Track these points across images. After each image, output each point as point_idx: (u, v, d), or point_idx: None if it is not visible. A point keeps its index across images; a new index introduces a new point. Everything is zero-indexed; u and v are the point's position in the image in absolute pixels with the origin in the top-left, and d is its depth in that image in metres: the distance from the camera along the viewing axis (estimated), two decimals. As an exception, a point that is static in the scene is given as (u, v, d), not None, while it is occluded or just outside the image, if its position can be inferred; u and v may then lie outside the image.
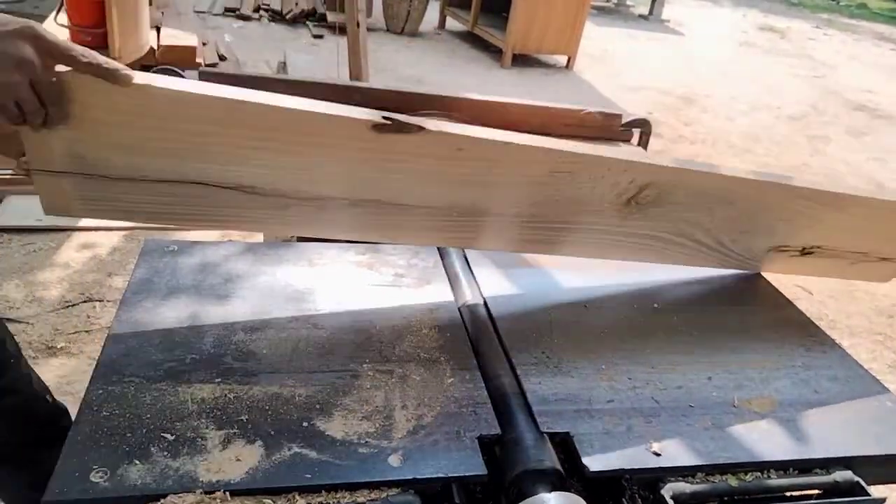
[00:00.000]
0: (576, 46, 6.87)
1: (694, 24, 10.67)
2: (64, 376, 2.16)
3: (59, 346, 2.26)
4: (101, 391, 0.93)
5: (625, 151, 2.01)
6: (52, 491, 0.78)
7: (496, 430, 0.96)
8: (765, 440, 1.01)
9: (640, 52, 8.32)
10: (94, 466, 0.81)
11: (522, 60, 6.82)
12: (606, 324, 1.27)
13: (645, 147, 2.10)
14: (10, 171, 2.98)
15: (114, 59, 2.55)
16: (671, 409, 1.05)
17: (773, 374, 1.18)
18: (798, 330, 1.35)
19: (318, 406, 0.95)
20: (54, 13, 3.48)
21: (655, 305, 1.37)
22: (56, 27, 3.43)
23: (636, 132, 2.14)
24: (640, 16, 10.57)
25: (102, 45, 3.12)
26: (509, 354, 1.13)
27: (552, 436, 0.97)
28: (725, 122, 6.22)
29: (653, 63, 7.88)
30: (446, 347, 1.12)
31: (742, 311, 1.39)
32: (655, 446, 0.96)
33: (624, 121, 2.10)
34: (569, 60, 7.00)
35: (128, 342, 1.03)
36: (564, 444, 0.98)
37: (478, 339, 1.16)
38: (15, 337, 2.29)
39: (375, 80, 4.69)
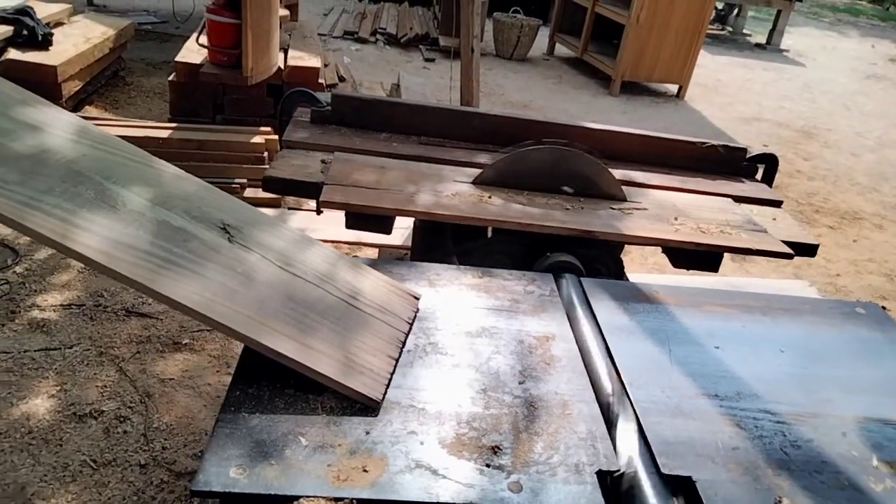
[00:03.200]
0: (688, 75, 6.70)
1: (816, 54, 10.15)
2: (186, 370, 2.31)
3: (183, 343, 2.42)
4: (238, 393, 1.00)
5: (745, 188, 1.95)
6: (198, 482, 0.84)
7: (616, 467, 0.95)
8: (908, 507, 0.94)
9: (755, 83, 8.00)
10: (235, 462, 0.87)
11: (631, 88, 6.72)
12: (729, 366, 1.23)
13: (770, 184, 2.02)
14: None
15: (246, 77, 2.71)
16: (802, 463, 1.00)
17: (916, 436, 1.10)
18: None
19: (441, 430, 0.98)
20: (196, 34, 3.77)
21: (782, 351, 1.31)
22: (197, 47, 3.71)
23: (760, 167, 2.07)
24: (757, 45, 10.16)
25: (236, 65, 3.36)
26: (627, 390, 1.12)
27: (673, 479, 0.95)
28: (849, 159, 5.85)
29: (769, 94, 7.56)
30: (563, 378, 1.12)
31: (880, 364, 1.30)
32: (786, 502, 0.92)
33: (748, 155, 2.03)
34: (680, 89, 6.82)
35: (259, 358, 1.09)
36: (686, 489, 0.95)
37: (594, 373, 1.16)
38: (144, 329, 2.47)
39: (483, 103, 4.75)
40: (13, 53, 3.52)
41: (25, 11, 3.64)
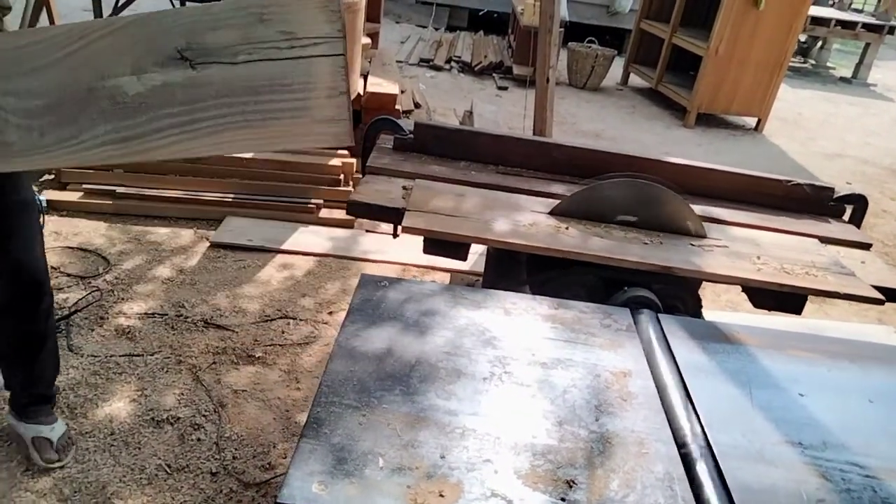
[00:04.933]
0: (767, 108, 6.52)
1: (906, 89, 9.70)
2: (258, 383, 2.38)
3: (256, 356, 2.50)
4: (320, 409, 1.03)
5: (832, 228, 1.88)
6: (283, 494, 0.87)
7: (695, 511, 0.93)
8: None
9: (839, 117, 7.71)
10: (317, 479, 0.90)
11: (707, 120, 6.59)
12: (814, 413, 1.19)
13: (858, 225, 1.95)
14: (231, 194, 3.39)
15: None
16: (895, 522, 0.95)
17: None
18: None
19: (516, 461, 0.98)
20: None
21: (871, 401, 1.25)
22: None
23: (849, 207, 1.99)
24: (842, 78, 9.81)
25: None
26: (707, 432, 1.09)
27: (755, 527, 0.92)
28: (941, 200, 5.55)
29: (854, 129, 7.27)
30: (640, 416, 1.11)
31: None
32: (877, 561, 0.88)
33: (836, 195, 1.97)
34: (758, 123, 6.64)
35: (345, 368, 1.13)
36: (769, 539, 0.92)
37: (672, 412, 1.14)
38: (221, 340, 2.56)
39: (556, 132, 4.76)
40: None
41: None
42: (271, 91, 1.19)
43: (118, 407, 2.20)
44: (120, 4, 5.55)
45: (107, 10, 5.41)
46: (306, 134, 1.21)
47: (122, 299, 2.70)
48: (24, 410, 1.94)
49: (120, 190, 3.29)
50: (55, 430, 1.96)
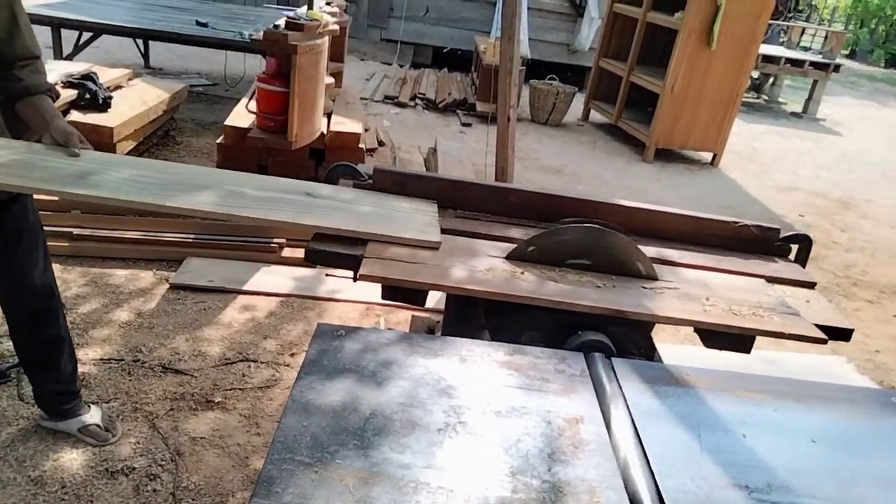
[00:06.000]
0: (723, 143, 6.74)
1: (853, 123, 10.13)
2: (217, 429, 2.34)
3: (215, 401, 2.47)
4: (272, 467, 1.02)
5: (778, 268, 1.95)
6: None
7: (644, 560, 0.94)
8: None
9: (791, 151, 8.00)
10: (268, 540, 0.89)
11: (665, 155, 6.78)
12: (760, 455, 1.22)
13: (803, 265, 2.02)
14: (192, 234, 3.36)
15: (290, 142, 2.91)
16: (837, 566, 0.98)
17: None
18: None
19: (467, 508, 0.99)
20: (245, 100, 3.96)
21: (814, 441, 1.29)
22: (245, 111, 3.89)
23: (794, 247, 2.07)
24: (793, 113, 10.20)
25: (282, 131, 3.51)
26: (657, 479, 1.11)
27: (702, 575, 0.94)
28: (888, 231, 5.77)
29: (805, 163, 7.54)
30: (592, 464, 1.13)
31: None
32: None
33: (782, 235, 2.04)
34: (714, 157, 6.86)
35: (299, 423, 1.12)
36: (715, 587, 0.94)
37: (623, 459, 1.16)
38: (179, 386, 2.52)
39: (518, 167, 4.84)
40: (75, 115, 3.74)
41: (90, 76, 3.89)
42: None
43: (70, 458, 2.14)
44: (82, 42, 5.53)
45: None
46: None
47: (78, 345, 2.64)
48: (60, 411, 2.18)
49: (77, 231, 3.25)
50: (94, 416, 2.22)
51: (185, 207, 1.62)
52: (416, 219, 1.80)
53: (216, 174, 1.92)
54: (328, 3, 4.79)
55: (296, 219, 1.67)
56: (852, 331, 1.72)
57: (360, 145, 4.03)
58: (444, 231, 1.76)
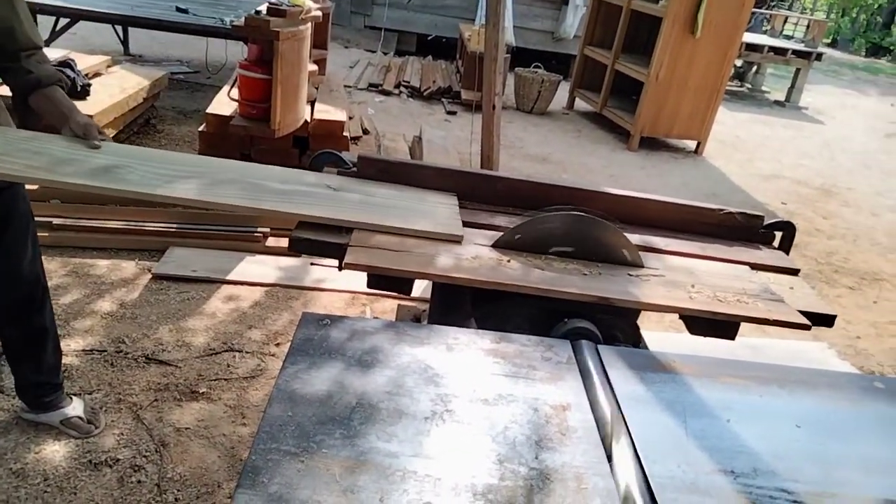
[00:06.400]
0: (707, 132, 6.78)
1: (835, 112, 10.22)
2: (202, 420, 2.33)
3: (200, 392, 2.45)
4: (257, 457, 1.02)
5: (762, 255, 1.96)
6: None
7: (631, 545, 0.94)
8: None
9: (774, 140, 8.06)
10: (254, 530, 0.88)
11: (650, 143, 6.80)
12: (745, 440, 1.23)
13: (787, 251, 2.03)
14: (175, 224, 3.32)
15: (273, 130, 2.89)
16: (820, 548, 0.99)
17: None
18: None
19: (456, 502, 0.98)
20: (228, 88, 3.91)
21: (798, 426, 1.30)
22: (227, 99, 3.84)
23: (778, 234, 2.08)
24: (776, 102, 10.27)
25: (265, 118, 3.47)
26: (643, 464, 1.12)
27: (688, 559, 0.95)
28: (869, 218, 5.84)
29: (788, 151, 7.60)
30: (579, 450, 1.13)
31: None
32: (802, 588, 0.91)
33: (766, 223, 2.05)
34: (698, 145, 6.89)
35: (284, 412, 1.11)
36: (701, 571, 0.95)
37: (610, 445, 1.16)
38: (163, 376, 2.49)
39: (503, 156, 4.84)
40: (52, 103, 3.66)
41: (67, 63, 3.81)
42: None
43: (53, 450, 2.11)
44: (58, 29, 5.43)
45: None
46: None
47: (60, 336, 2.61)
48: (42, 403, 2.14)
49: (57, 221, 3.20)
50: (76, 408, 2.19)
51: (223, 203, 1.62)
52: (438, 212, 1.80)
53: (240, 167, 1.88)
54: (311, -11, 4.73)
55: (328, 213, 1.66)
56: (835, 317, 1.74)
57: (345, 133, 4.00)
58: (429, 219, 1.75)
